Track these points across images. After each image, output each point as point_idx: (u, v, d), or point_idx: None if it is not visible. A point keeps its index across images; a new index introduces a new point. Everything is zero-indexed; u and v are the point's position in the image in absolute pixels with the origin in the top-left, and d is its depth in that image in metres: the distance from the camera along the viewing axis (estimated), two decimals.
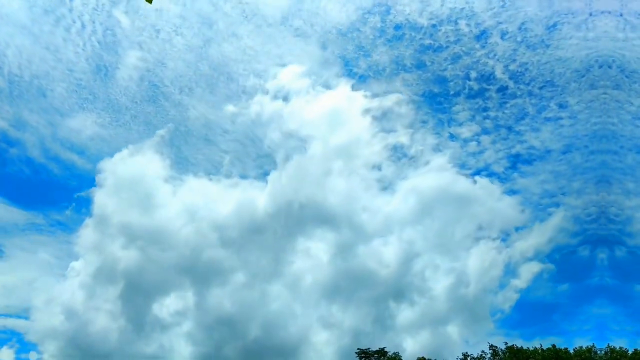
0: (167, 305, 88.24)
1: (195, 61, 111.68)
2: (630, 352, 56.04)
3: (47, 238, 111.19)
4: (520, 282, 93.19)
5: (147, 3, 4.58)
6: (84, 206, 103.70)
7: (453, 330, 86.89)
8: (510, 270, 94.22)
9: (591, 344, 58.30)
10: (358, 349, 63.05)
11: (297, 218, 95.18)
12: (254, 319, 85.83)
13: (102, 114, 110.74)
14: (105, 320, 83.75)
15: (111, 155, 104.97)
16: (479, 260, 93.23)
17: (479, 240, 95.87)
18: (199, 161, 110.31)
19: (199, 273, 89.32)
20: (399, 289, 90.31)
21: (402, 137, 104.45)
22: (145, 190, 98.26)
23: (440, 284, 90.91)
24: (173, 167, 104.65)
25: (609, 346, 57.60)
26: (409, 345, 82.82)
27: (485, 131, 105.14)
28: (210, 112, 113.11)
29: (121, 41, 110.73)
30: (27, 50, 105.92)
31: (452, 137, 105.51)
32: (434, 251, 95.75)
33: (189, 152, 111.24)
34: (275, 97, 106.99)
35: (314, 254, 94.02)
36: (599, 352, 57.19)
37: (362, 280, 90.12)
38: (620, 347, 57.03)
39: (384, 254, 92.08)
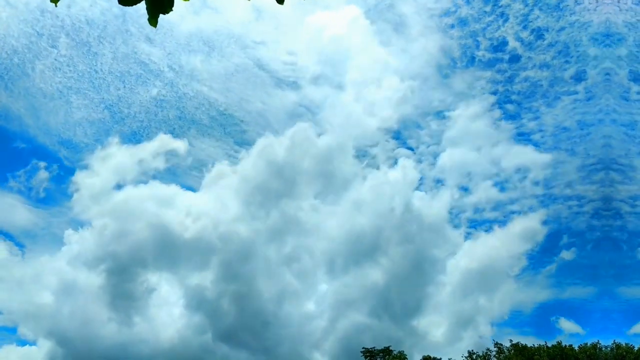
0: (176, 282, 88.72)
1: (185, 35, 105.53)
2: (635, 348, 55.97)
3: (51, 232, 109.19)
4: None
5: (152, 26, 4.59)
6: (74, 196, 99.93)
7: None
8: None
9: (596, 341, 58.36)
10: (363, 347, 63.12)
11: (318, 177, 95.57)
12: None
13: (88, 94, 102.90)
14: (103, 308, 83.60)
15: (100, 140, 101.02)
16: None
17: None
18: (197, 147, 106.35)
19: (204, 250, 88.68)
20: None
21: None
22: (139, 178, 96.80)
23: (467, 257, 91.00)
24: (169, 151, 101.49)
25: (614, 343, 57.51)
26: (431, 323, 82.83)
27: (498, 106, 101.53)
28: (206, 90, 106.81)
29: (104, 13, 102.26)
30: (4, 23, 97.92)
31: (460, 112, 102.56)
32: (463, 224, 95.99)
33: (185, 135, 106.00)
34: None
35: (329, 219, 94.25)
36: (604, 348, 57.14)
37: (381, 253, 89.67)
38: (626, 344, 56.97)
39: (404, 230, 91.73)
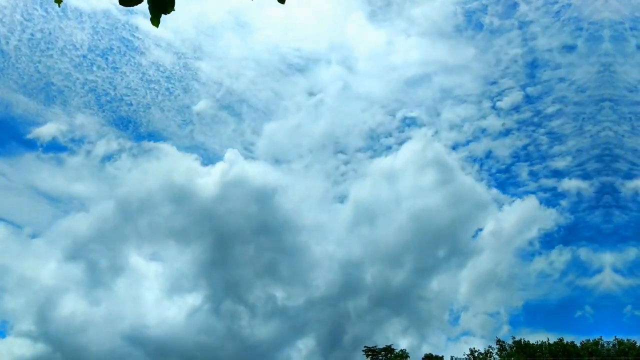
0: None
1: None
2: (638, 344, 55.95)
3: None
4: None
5: (154, 26, 4.68)
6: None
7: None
8: None
9: (598, 337, 58.36)
10: (365, 346, 63.38)
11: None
12: None
13: (70, 75, 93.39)
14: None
15: (87, 129, 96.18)
16: None
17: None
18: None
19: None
20: None
21: None
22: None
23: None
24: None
25: (616, 338, 57.51)
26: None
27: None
28: (199, 67, 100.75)
29: None
30: None
31: None
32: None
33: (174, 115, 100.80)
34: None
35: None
36: (606, 344, 57.15)
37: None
38: (628, 339, 56.99)
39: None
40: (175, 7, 4.79)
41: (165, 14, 4.76)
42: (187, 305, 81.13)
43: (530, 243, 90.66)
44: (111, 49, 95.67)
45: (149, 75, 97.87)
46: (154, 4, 4.62)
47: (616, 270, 78.46)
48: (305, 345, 79.41)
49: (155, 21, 4.66)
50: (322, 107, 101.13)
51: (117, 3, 4.49)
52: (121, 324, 78.01)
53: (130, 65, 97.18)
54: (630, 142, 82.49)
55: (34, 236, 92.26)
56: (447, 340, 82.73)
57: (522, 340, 58.11)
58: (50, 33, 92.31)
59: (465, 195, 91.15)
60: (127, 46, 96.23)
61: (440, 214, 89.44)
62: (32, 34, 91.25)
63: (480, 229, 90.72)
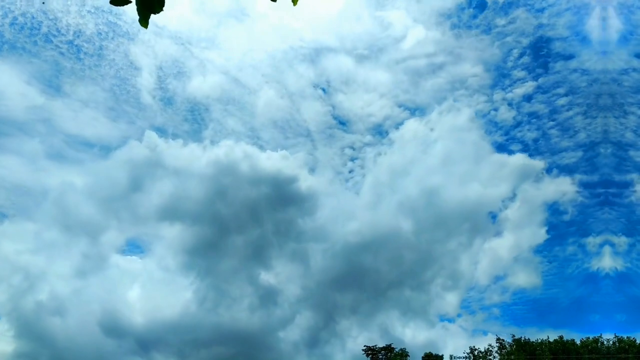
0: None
1: None
2: (638, 341, 55.96)
3: None
4: None
5: (143, 27, 4.57)
6: None
7: None
8: None
9: (598, 335, 58.36)
10: (365, 345, 63.40)
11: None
12: None
13: (59, 63, 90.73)
14: None
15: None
16: None
17: None
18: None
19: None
20: None
21: None
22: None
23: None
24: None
25: (616, 336, 57.51)
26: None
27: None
28: (196, 53, 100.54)
29: None
30: None
31: None
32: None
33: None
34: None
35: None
36: (605, 342, 57.16)
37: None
38: (628, 337, 56.98)
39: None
40: None
41: (154, 13, 4.65)
42: (177, 295, 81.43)
43: (543, 234, 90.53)
44: (99, 34, 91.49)
45: (138, 63, 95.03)
46: (142, 4, 4.50)
47: None
48: (299, 335, 78.98)
49: (144, 22, 4.55)
50: (328, 98, 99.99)
51: None
52: (106, 316, 78.01)
53: (118, 52, 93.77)
54: None
55: (18, 222, 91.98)
56: (450, 336, 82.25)
57: (522, 339, 58.11)
58: (33, 17, 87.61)
59: (477, 179, 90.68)
60: (114, 31, 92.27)
61: (450, 201, 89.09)
62: (14, 19, 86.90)
63: (495, 213, 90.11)
